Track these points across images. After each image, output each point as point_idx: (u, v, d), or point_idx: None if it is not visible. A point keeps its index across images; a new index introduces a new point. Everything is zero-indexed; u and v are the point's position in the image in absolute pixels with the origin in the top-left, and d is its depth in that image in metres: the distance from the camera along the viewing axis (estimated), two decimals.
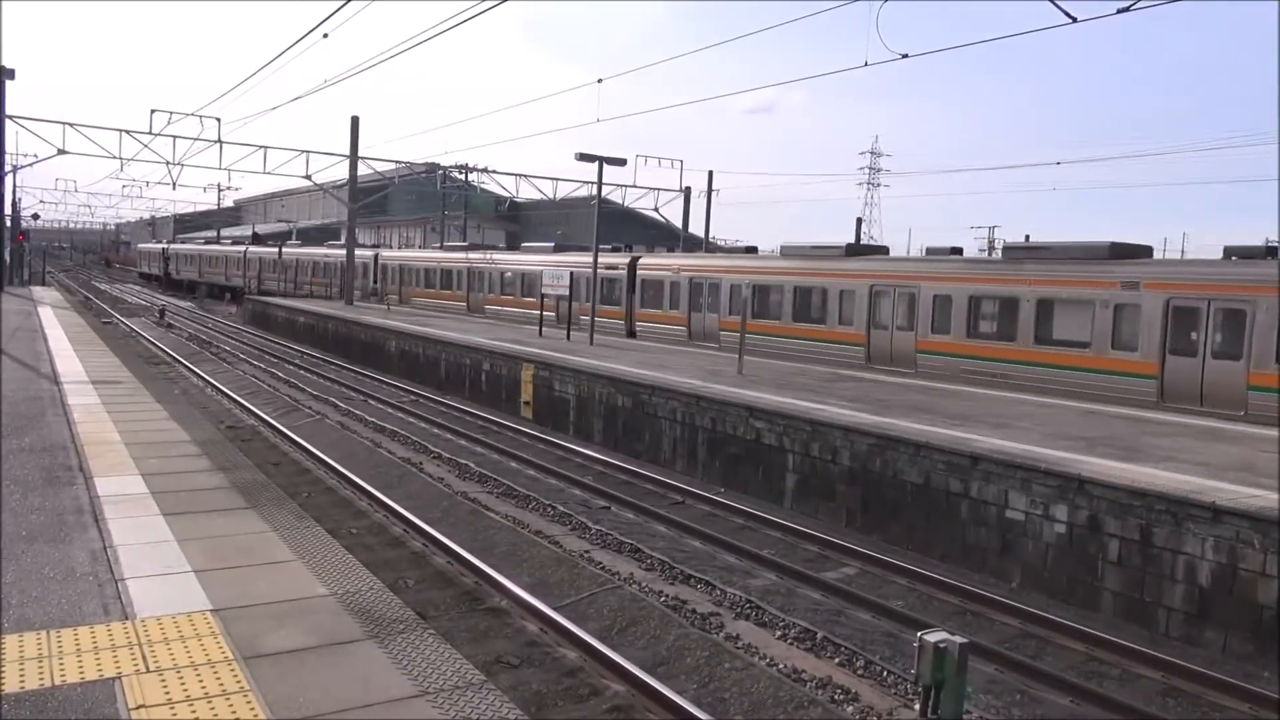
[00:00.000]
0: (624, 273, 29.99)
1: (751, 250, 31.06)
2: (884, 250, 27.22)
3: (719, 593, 10.18)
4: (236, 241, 75.87)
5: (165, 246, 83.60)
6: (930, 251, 23.34)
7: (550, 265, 30.33)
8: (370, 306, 40.50)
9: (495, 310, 37.09)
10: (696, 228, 50.14)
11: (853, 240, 39.40)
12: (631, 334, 29.56)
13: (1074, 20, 12.70)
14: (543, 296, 28.25)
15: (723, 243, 53.05)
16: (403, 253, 51.87)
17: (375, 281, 46.84)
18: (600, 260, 27.81)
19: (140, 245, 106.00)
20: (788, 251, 25.68)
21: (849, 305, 22.59)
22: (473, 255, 40.63)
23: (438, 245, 50.73)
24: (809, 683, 8.04)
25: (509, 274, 37.00)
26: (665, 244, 43.11)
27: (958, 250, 22.91)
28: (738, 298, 24.34)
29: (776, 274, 24.81)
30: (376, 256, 48.56)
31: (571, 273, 26.82)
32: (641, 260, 29.97)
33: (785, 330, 24.13)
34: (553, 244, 38.92)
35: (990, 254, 51.42)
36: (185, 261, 76.90)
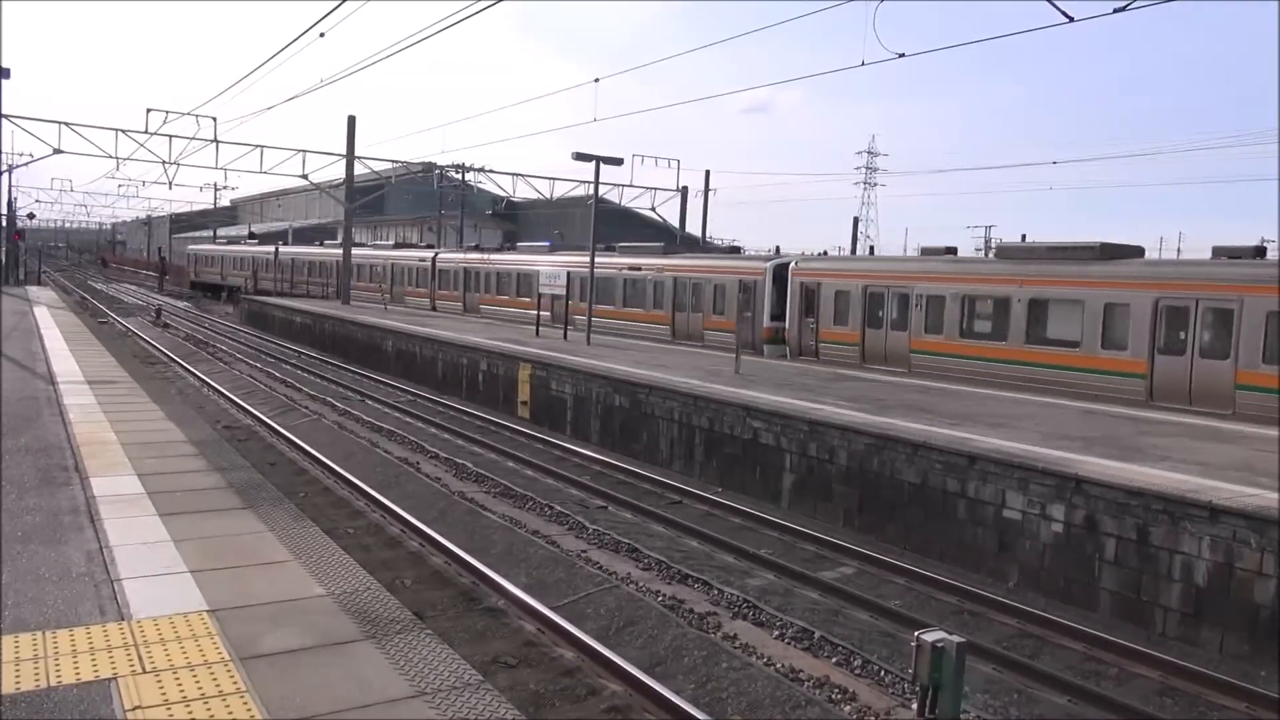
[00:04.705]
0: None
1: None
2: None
3: (716, 592, 10.17)
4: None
5: (276, 248, 58.93)
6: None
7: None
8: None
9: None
10: (693, 227, 50.13)
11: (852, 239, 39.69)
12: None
13: (1071, 20, 12.70)
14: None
15: (720, 242, 52.97)
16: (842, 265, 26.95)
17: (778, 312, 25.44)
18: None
19: (195, 247, 75.99)
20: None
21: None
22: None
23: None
24: (806, 682, 8.04)
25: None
26: (662, 243, 43.04)
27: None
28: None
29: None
30: (787, 267, 25.18)
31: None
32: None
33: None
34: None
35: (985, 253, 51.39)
36: (328, 272, 50.14)
